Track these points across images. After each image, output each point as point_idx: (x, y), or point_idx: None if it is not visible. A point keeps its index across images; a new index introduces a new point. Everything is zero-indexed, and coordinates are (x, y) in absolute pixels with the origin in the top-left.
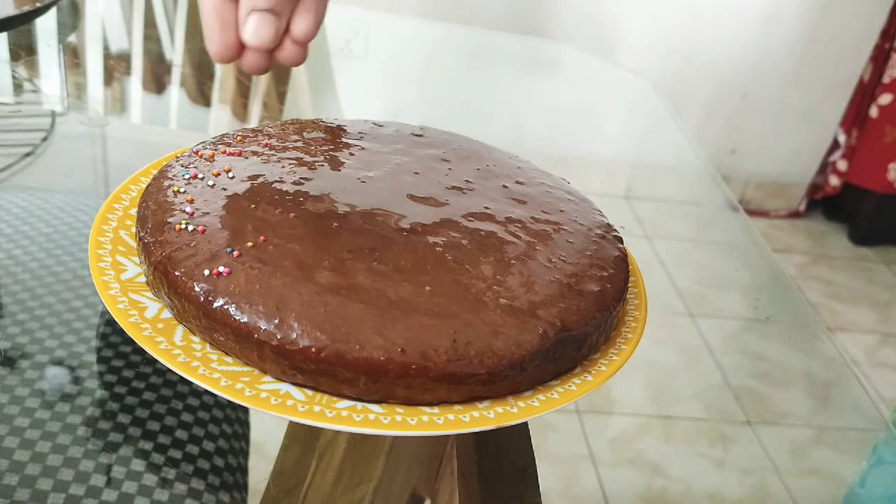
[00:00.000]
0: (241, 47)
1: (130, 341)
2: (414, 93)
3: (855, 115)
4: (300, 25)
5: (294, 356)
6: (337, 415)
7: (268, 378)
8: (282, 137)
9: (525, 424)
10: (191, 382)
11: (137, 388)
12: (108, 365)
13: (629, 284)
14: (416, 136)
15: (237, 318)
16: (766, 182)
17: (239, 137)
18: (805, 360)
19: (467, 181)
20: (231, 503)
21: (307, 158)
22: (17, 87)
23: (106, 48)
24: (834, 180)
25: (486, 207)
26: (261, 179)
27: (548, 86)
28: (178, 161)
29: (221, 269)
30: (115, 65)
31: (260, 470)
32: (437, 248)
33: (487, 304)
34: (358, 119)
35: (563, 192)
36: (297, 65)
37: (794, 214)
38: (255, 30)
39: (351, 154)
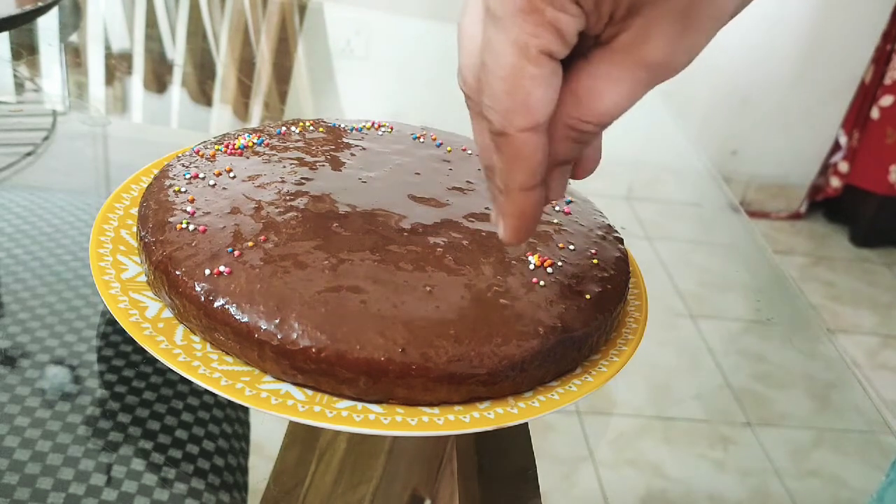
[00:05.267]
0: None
1: (131, 341)
2: (415, 93)
3: (856, 117)
4: (583, 170)
5: (294, 356)
6: (337, 415)
7: (268, 378)
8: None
9: (525, 425)
10: (191, 382)
11: (138, 387)
12: (109, 364)
13: (630, 285)
14: (418, 136)
15: (238, 317)
16: (768, 183)
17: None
18: (806, 362)
19: (468, 182)
20: (231, 503)
21: (308, 158)
22: (19, 87)
23: (107, 47)
24: (835, 182)
25: (488, 208)
26: (262, 179)
27: None
28: (179, 161)
29: (222, 268)
30: (117, 64)
31: (260, 470)
32: (438, 249)
33: (488, 304)
34: (359, 119)
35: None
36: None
37: (795, 216)
38: (558, 189)
39: (352, 154)
